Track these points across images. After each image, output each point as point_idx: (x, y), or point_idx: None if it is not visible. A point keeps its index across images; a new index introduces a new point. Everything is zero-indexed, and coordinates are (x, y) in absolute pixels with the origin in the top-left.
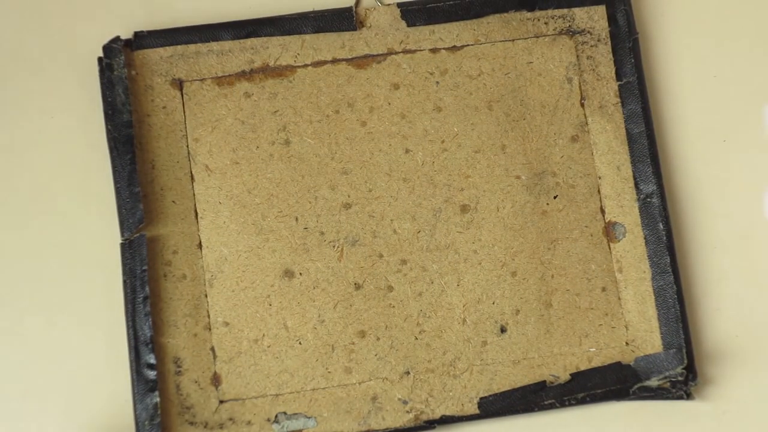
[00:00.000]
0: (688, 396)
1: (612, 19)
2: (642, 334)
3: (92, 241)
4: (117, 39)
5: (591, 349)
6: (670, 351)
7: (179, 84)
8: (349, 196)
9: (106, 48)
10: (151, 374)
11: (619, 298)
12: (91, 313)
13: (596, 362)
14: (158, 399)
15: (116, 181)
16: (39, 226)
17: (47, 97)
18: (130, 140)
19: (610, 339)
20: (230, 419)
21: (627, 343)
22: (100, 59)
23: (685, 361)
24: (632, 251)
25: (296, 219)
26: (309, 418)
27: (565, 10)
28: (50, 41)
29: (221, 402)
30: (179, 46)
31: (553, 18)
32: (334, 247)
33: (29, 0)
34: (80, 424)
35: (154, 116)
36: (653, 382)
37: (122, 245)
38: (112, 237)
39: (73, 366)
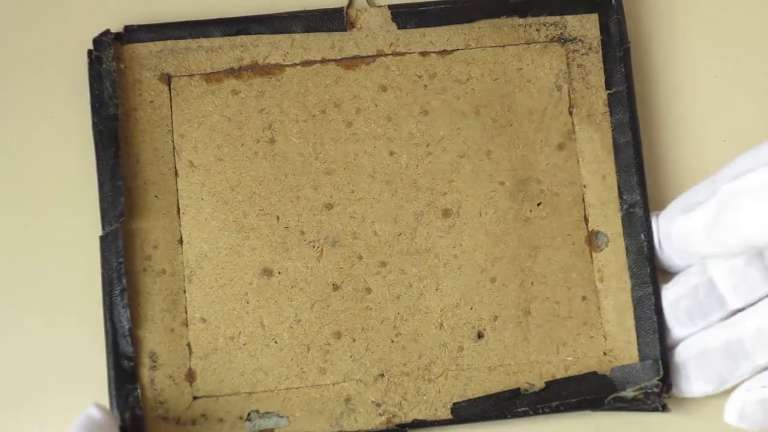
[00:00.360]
0: (663, 408)
1: (604, 28)
2: (620, 344)
3: (80, 235)
4: (107, 32)
5: (568, 358)
6: (647, 362)
7: (167, 79)
8: (331, 197)
9: (96, 41)
10: (130, 365)
11: (599, 308)
12: (78, 307)
13: (573, 371)
14: (138, 391)
15: (99, 175)
16: (25, 220)
17: (36, 91)
18: (115, 134)
19: (588, 348)
20: (203, 416)
21: (605, 353)
22: (89, 52)
23: (661, 373)
24: (614, 261)
25: (277, 218)
26: (281, 417)
27: (558, 18)
28: (40, 34)
29: (195, 398)
30: (169, 41)
31: (545, 25)
32: (313, 247)
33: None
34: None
35: (141, 110)
36: (628, 393)
37: (101, 238)
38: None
39: (56, 361)
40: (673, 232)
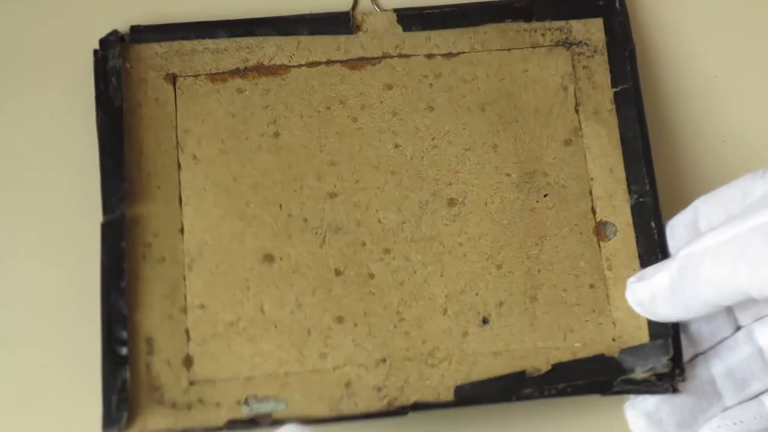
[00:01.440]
0: (675, 390)
1: (608, 31)
2: (630, 330)
3: (78, 222)
4: (114, 32)
5: (576, 344)
6: (656, 342)
7: (173, 78)
8: (335, 186)
9: (103, 41)
10: (123, 350)
11: (608, 296)
12: (70, 293)
13: (581, 357)
14: (128, 375)
15: (102, 160)
16: (24, 210)
17: (42, 91)
18: (118, 124)
19: (597, 335)
20: (199, 400)
21: (614, 339)
22: (95, 51)
23: (671, 352)
24: (623, 249)
25: (280, 206)
26: (279, 401)
27: (563, 22)
28: (47, 32)
29: (191, 383)
30: (175, 42)
31: (550, 29)
32: (316, 233)
33: None
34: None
35: (146, 107)
36: (638, 375)
37: (102, 225)
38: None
39: (44, 340)
40: (630, 297)
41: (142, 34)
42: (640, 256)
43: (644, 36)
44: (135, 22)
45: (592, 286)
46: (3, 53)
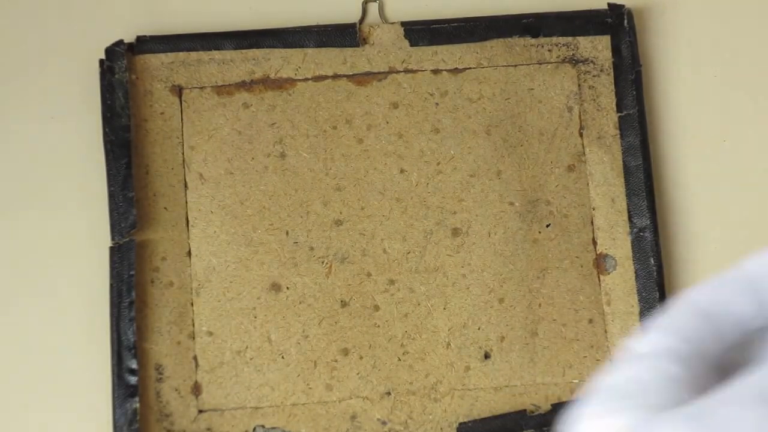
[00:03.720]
0: None
1: (616, 51)
2: None
3: (83, 243)
4: (120, 42)
5: (574, 381)
6: None
7: (178, 91)
8: (341, 213)
9: (109, 51)
10: (132, 379)
11: (606, 331)
12: (76, 315)
13: (579, 395)
14: (138, 404)
15: (110, 185)
16: (30, 224)
17: (47, 98)
18: (126, 144)
19: (594, 371)
20: (208, 429)
21: None
22: (101, 61)
23: None
24: (622, 285)
25: (287, 233)
26: None
27: (570, 39)
28: (52, 42)
29: (200, 411)
30: (181, 53)
31: (557, 45)
32: (322, 263)
33: (33, 1)
34: (58, 428)
35: (152, 122)
36: None
37: (111, 249)
38: (104, 240)
39: (54, 368)
40: None
41: (148, 44)
42: (639, 292)
43: (650, 62)
44: (139, 32)
45: (590, 321)
46: (7, 57)
